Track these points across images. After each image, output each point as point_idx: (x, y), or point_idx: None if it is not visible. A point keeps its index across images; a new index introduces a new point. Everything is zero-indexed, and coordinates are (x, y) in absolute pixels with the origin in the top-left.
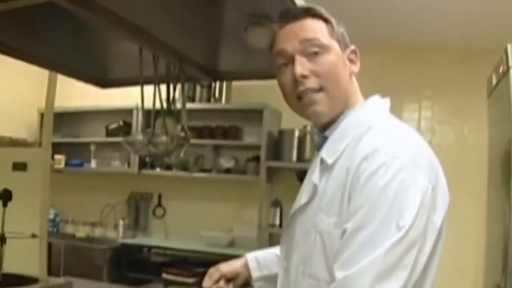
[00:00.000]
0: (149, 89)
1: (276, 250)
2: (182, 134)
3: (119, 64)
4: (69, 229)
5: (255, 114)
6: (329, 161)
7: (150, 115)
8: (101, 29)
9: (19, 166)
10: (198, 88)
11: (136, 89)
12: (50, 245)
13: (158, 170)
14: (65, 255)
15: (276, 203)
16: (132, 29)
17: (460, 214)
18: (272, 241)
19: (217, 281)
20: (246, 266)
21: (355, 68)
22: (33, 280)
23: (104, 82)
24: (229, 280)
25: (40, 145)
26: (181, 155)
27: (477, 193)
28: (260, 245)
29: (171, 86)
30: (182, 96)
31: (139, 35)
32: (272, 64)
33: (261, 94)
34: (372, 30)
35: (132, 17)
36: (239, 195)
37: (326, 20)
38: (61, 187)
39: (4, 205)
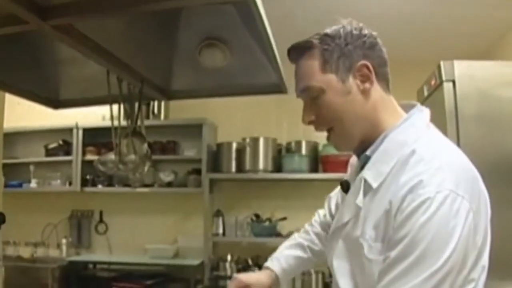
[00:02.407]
0: (93, 109)
1: (295, 252)
2: (145, 151)
3: (72, 85)
4: (10, 250)
5: (193, 129)
6: (374, 185)
7: (113, 134)
8: (53, 51)
9: None
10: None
11: (75, 110)
12: None
13: (100, 187)
14: (11, 277)
15: (218, 213)
16: (103, 54)
17: None
18: (216, 249)
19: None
20: (273, 277)
21: (368, 84)
22: None
23: (56, 103)
24: None
25: None
26: (145, 171)
27: None
28: (206, 254)
29: (134, 106)
30: (140, 115)
31: (108, 59)
32: (221, 83)
33: (198, 109)
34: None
35: (104, 43)
36: (181, 207)
37: (319, 49)
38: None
39: None
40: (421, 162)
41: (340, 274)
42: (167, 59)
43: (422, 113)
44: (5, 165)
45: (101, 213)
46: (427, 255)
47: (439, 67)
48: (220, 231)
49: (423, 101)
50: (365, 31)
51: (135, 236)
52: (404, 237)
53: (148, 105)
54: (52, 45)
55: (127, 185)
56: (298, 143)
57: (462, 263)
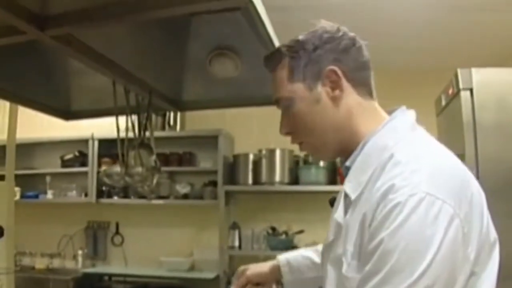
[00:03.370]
0: (110, 120)
1: (308, 253)
2: (153, 163)
3: (83, 97)
4: (26, 261)
5: (209, 140)
6: (352, 196)
7: (119, 146)
8: (64, 62)
9: None
10: (153, 116)
11: (91, 120)
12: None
13: (115, 198)
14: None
15: (234, 226)
16: (107, 64)
17: None
18: (232, 262)
19: (244, 286)
20: (276, 269)
21: (337, 91)
22: None
23: (67, 114)
24: (257, 284)
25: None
26: (154, 184)
27: None
28: (221, 267)
29: (143, 117)
30: (150, 127)
31: (113, 69)
32: (233, 94)
33: (215, 121)
34: None
35: (108, 53)
36: (197, 220)
37: (287, 57)
38: (17, 219)
39: None
40: (398, 165)
41: None
42: (177, 70)
43: (405, 115)
44: (22, 176)
45: (117, 225)
46: (400, 267)
47: (456, 75)
48: (236, 244)
49: (441, 111)
50: (339, 33)
51: (150, 248)
52: (376, 248)
53: (164, 116)
54: (63, 57)
55: (142, 196)
56: None
57: (448, 279)
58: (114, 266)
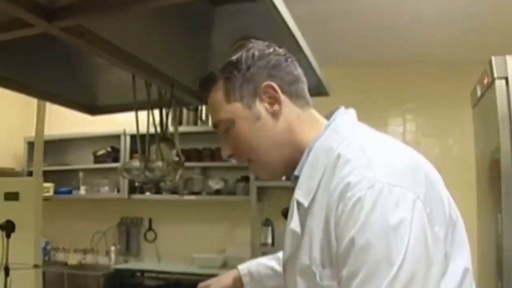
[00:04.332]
0: (138, 114)
1: (269, 262)
2: (176, 158)
3: (108, 91)
4: (60, 257)
5: None
6: (306, 203)
7: (139, 140)
8: (89, 57)
9: (11, 196)
10: (184, 111)
11: (122, 115)
12: (43, 274)
13: (148, 194)
14: (58, 283)
15: (267, 222)
16: (124, 56)
17: None
18: None
19: None
20: (238, 280)
21: (276, 105)
22: None
23: (93, 109)
24: None
25: (28, 173)
26: (177, 179)
27: (465, 203)
28: None
29: (164, 111)
30: (173, 121)
31: (131, 62)
32: None
33: None
34: (357, 49)
35: (126, 45)
36: (230, 216)
37: (222, 78)
38: (50, 215)
39: (8, 236)
40: (348, 163)
41: None
42: (200, 61)
43: (346, 115)
44: (55, 172)
45: (150, 221)
46: (377, 262)
47: (490, 63)
48: (269, 241)
49: (476, 103)
50: (269, 50)
51: (183, 245)
52: (349, 249)
53: (196, 110)
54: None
55: (174, 192)
56: None
57: (425, 262)
58: (146, 262)
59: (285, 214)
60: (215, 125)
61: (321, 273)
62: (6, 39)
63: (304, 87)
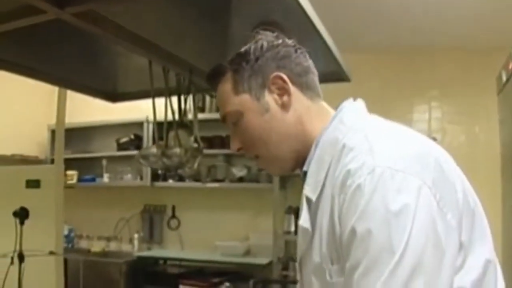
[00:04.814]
0: (159, 101)
1: None
2: (195, 145)
3: (129, 78)
4: (83, 244)
5: None
6: (313, 197)
7: (156, 127)
8: (109, 45)
9: (33, 184)
10: (207, 98)
11: (146, 102)
12: (65, 261)
13: (170, 181)
14: (82, 270)
15: (290, 210)
16: (140, 42)
17: None
18: (288, 247)
19: None
20: None
21: (285, 96)
22: None
23: (114, 96)
24: None
25: (51, 161)
26: (195, 166)
27: (490, 191)
28: (276, 253)
29: (182, 98)
30: (193, 107)
31: (147, 48)
32: None
33: None
34: (380, 35)
35: (141, 31)
36: (253, 204)
37: (230, 70)
38: (74, 203)
39: (21, 223)
40: (350, 151)
41: None
42: (219, 47)
43: (351, 106)
44: (79, 160)
45: (173, 208)
46: (379, 249)
47: None
48: (292, 229)
49: (502, 88)
50: (278, 41)
51: (206, 232)
52: (351, 239)
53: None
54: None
55: (198, 180)
56: None
57: (435, 251)
58: (169, 250)
59: (297, 214)
60: (223, 118)
61: (330, 270)
62: (21, 26)
63: (315, 78)
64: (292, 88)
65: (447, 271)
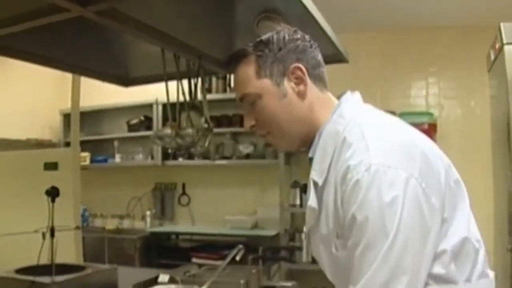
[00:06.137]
0: (169, 85)
1: None
2: (205, 125)
3: (140, 64)
4: (98, 223)
5: None
6: (319, 182)
7: (170, 109)
8: (122, 33)
9: (51, 166)
10: (214, 79)
11: (155, 85)
12: (83, 239)
13: (180, 160)
14: (97, 246)
15: (295, 184)
16: (154, 33)
17: (472, 185)
18: (294, 220)
19: None
20: None
21: (302, 86)
22: (80, 268)
23: (126, 81)
24: None
25: (65, 144)
26: (206, 144)
27: (485, 162)
28: (282, 225)
29: (193, 81)
30: (202, 89)
31: (160, 38)
32: None
33: None
34: (378, 14)
35: (154, 22)
36: (260, 179)
37: (254, 56)
38: (88, 183)
39: (53, 201)
40: (350, 147)
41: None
42: (225, 33)
43: (350, 99)
44: (91, 142)
45: (183, 186)
46: (375, 234)
47: (499, 29)
48: (298, 202)
49: (491, 67)
50: (298, 35)
51: (215, 208)
52: (351, 224)
53: (224, 78)
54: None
55: (206, 157)
56: None
57: (422, 230)
58: (181, 225)
59: (304, 189)
60: (241, 97)
61: (336, 243)
62: (46, 23)
63: (324, 71)
64: (308, 79)
65: (431, 244)
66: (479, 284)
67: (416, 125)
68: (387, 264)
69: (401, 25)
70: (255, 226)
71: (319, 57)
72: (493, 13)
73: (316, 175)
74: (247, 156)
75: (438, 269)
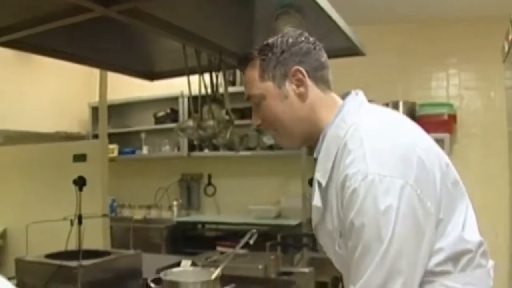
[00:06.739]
0: (193, 78)
1: None
2: (227, 117)
3: (164, 59)
4: (126, 213)
5: None
6: (323, 182)
7: (192, 102)
8: (145, 31)
9: (79, 158)
10: (238, 72)
11: (180, 78)
12: (111, 228)
13: (206, 151)
14: (125, 236)
15: None
16: (175, 30)
17: (492, 175)
18: None
19: None
20: None
21: (302, 88)
22: (106, 253)
23: (151, 75)
24: None
25: (93, 136)
26: (228, 136)
27: (505, 153)
28: (305, 215)
29: (214, 75)
30: (224, 83)
31: (183, 35)
32: None
33: None
34: (398, 6)
35: (174, 20)
36: (283, 170)
37: (258, 59)
38: (116, 175)
39: (80, 190)
40: (349, 154)
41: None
42: (245, 29)
43: (353, 102)
44: (119, 134)
45: (209, 176)
46: (370, 239)
47: (510, 21)
48: None
49: (505, 58)
50: (302, 38)
51: (240, 198)
52: (350, 228)
53: None
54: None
55: (231, 149)
56: (395, 104)
57: (416, 233)
58: (207, 215)
59: (310, 182)
60: (248, 97)
61: (338, 241)
62: (71, 23)
63: (328, 72)
64: (308, 81)
65: (425, 247)
66: (474, 274)
67: (436, 116)
68: (383, 268)
69: (421, 17)
70: (278, 215)
71: (323, 58)
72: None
73: (320, 176)
74: (271, 147)
75: (433, 265)
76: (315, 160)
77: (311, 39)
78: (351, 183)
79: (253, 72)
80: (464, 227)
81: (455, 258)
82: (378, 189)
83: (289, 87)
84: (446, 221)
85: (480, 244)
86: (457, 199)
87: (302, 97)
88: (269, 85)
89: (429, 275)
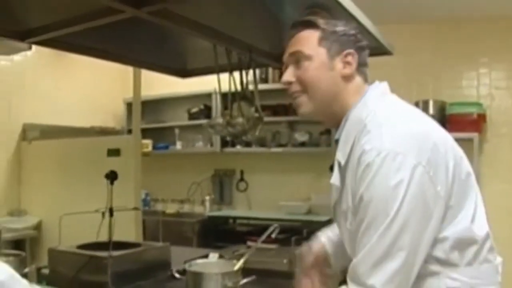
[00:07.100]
0: (224, 76)
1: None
2: (256, 114)
3: (196, 57)
4: (159, 207)
5: None
6: (342, 162)
7: (221, 99)
8: (177, 30)
9: (113, 152)
10: (270, 70)
11: (214, 75)
12: (144, 222)
13: (238, 147)
14: (157, 229)
15: None
16: (204, 30)
17: None
18: None
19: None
20: (322, 246)
21: (348, 70)
22: (136, 245)
23: (183, 73)
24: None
25: (128, 131)
26: (257, 133)
27: None
28: None
29: (244, 73)
30: (254, 81)
31: (212, 35)
32: None
33: None
34: (428, 3)
35: (204, 20)
36: (314, 166)
37: (321, 28)
38: (150, 169)
39: (111, 183)
40: (368, 134)
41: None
42: (275, 28)
43: (376, 89)
44: (153, 130)
45: (241, 172)
46: (377, 212)
47: None
48: None
49: None
50: (359, 36)
51: (271, 194)
52: (359, 202)
53: (280, 68)
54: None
55: (263, 145)
56: (426, 103)
57: (423, 213)
58: (238, 210)
59: (331, 168)
60: (293, 52)
61: (350, 218)
62: (108, 22)
63: (367, 71)
64: (354, 67)
65: (432, 228)
66: (480, 268)
67: (465, 115)
68: (385, 240)
69: (451, 16)
70: (309, 211)
71: (368, 59)
72: None
73: (340, 155)
74: (302, 144)
75: (439, 253)
76: (336, 141)
77: (365, 40)
78: (365, 158)
79: (313, 34)
80: (474, 219)
81: (460, 248)
82: (390, 165)
83: (338, 63)
84: (456, 209)
85: (486, 238)
86: (469, 190)
87: (344, 77)
88: (322, 51)
89: (435, 262)
